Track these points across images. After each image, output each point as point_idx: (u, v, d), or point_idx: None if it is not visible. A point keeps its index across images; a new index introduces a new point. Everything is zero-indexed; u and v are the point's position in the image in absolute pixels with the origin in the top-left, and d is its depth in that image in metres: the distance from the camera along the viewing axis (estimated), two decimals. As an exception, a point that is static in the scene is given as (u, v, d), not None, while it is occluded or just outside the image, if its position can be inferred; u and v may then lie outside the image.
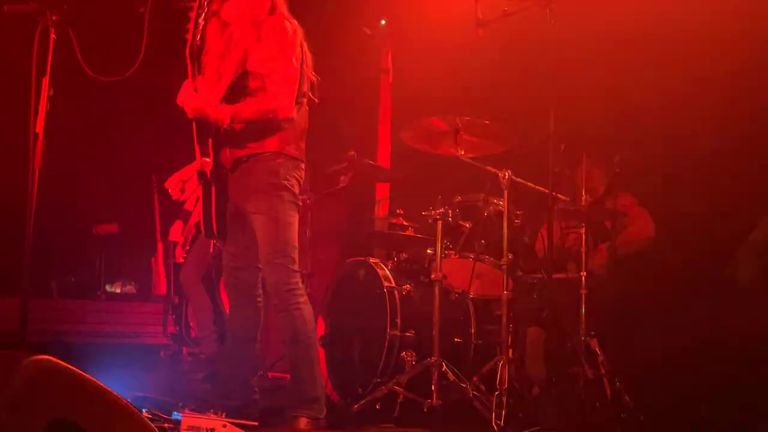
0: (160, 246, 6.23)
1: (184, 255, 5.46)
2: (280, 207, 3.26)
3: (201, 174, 3.20)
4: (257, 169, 3.28)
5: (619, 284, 4.07)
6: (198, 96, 3.12)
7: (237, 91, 3.23)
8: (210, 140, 3.19)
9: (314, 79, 3.44)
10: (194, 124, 3.18)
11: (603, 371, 3.67)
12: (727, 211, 4.17)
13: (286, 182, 3.27)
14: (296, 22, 3.34)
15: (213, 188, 3.22)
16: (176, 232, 5.67)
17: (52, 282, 6.87)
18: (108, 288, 7.26)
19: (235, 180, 3.31)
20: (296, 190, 3.34)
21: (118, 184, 6.66)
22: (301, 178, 3.40)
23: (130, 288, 7.37)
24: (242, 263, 3.46)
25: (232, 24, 3.21)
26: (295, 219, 3.33)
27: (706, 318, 3.93)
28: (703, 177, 4.28)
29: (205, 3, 3.12)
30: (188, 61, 3.14)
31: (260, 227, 3.29)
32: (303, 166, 3.41)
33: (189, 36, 3.14)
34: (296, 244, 3.33)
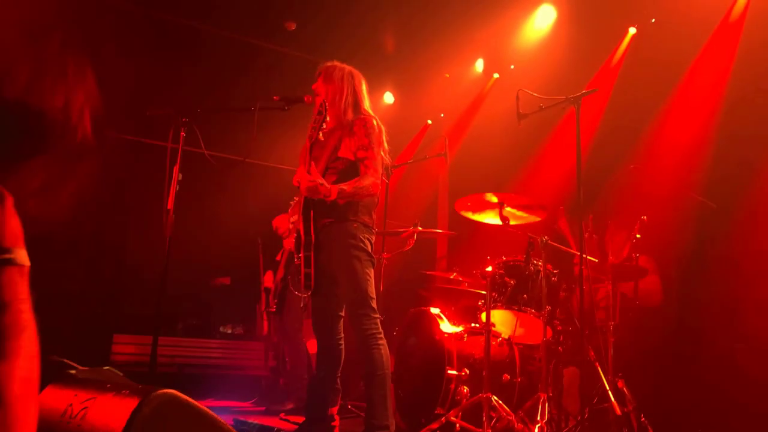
0: (263, 296, 6.31)
1: (276, 303, 5.45)
2: (359, 266, 3.26)
3: (307, 242, 3.24)
4: (338, 232, 3.29)
5: (638, 337, 3.91)
6: (311, 177, 3.17)
7: (330, 172, 3.32)
8: (312, 212, 3.26)
9: (388, 163, 3.50)
10: (302, 199, 3.27)
11: (630, 408, 3.49)
12: (732, 272, 3.98)
13: (361, 243, 3.28)
14: (379, 119, 3.43)
15: (313, 252, 3.25)
16: (269, 280, 5.73)
17: (179, 324, 7.01)
18: (222, 329, 7.32)
19: (321, 241, 3.32)
20: (369, 249, 3.34)
21: (231, 246, 6.79)
22: (372, 239, 3.40)
23: (239, 329, 7.40)
24: (328, 312, 3.46)
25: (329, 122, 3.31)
26: (371, 275, 3.31)
27: (715, 364, 3.75)
28: (710, 240, 4.12)
29: (324, 111, 3.24)
30: (309, 153, 3.24)
31: (345, 283, 3.28)
32: (374, 230, 3.42)
33: (312, 134, 3.27)
34: (374, 296, 3.29)
